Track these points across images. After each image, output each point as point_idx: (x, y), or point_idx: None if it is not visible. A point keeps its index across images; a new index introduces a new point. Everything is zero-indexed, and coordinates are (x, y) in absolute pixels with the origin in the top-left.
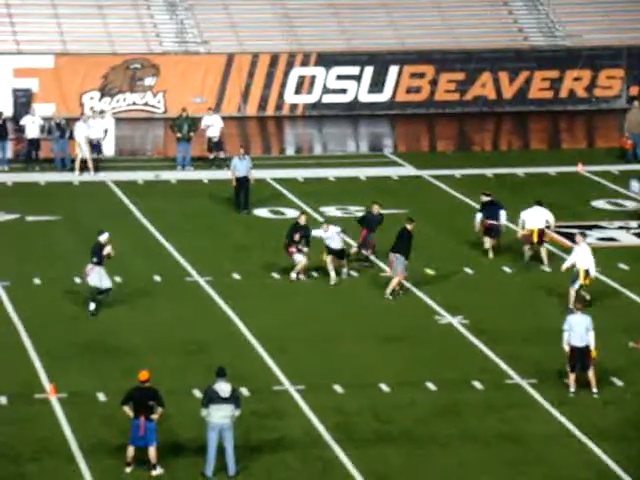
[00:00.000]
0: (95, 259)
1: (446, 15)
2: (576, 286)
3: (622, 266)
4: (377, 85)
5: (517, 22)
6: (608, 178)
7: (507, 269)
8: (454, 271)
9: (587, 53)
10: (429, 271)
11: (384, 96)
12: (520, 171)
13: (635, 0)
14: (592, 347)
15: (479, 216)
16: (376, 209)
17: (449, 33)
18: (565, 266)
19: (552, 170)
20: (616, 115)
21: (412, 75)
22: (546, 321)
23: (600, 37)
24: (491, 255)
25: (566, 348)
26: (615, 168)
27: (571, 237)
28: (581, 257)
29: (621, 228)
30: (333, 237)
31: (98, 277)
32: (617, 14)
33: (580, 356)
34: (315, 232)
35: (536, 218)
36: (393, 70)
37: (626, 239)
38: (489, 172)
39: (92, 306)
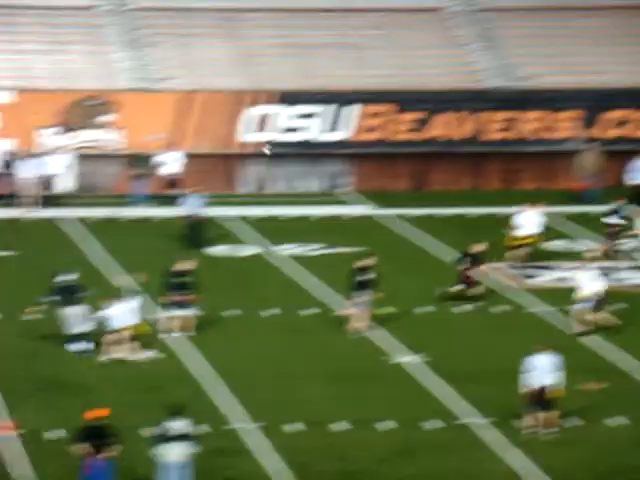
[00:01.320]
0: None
1: (404, 55)
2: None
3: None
4: (336, 124)
5: (474, 63)
6: (564, 219)
7: (468, 307)
8: (412, 309)
9: (543, 95)
10: (386, 309)
11: (342, 135)
12: (475, 211)
13: (591, 43)
14: (557, 387)
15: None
16: (475, 248)
17: (407, 73)
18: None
19: (507, 211)
20: (572, 156)
21: (371, 114)
22: (505, 360)
23: (556, 80)
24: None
25: (526, 389)
26: (570, 209)
27: (530, 276)
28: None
29: (576, 268)
30: (123, 311)
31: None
32: (573, 57)
33: (540, 396)
34: (100, 314)
35: (532, 221)
36: (352, 109)
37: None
38: (446, 212)
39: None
